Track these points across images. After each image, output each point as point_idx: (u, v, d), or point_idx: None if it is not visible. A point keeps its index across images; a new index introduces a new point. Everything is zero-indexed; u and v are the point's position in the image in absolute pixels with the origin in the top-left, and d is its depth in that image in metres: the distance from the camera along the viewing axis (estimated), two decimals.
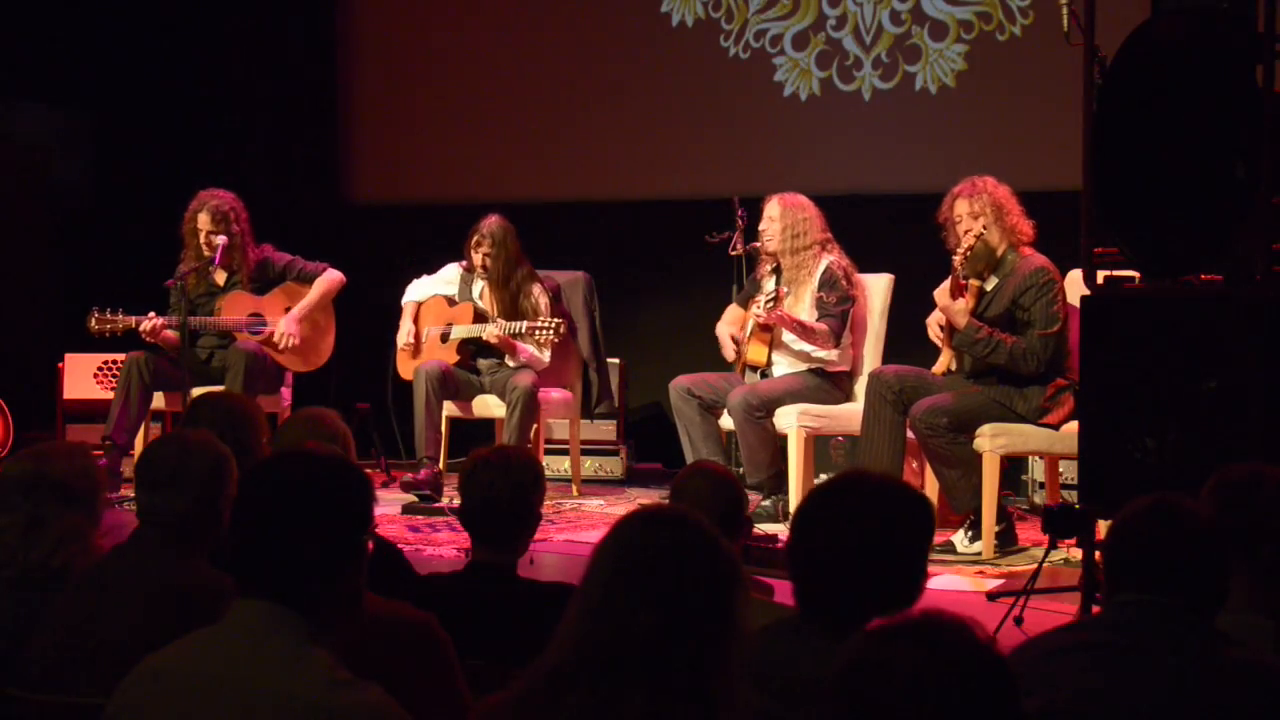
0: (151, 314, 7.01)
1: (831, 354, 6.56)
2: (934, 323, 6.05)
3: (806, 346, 6.55)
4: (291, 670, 2.07)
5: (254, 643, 2.10)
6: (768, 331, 6.58)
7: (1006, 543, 5.81)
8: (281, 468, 2.26)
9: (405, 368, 7.23)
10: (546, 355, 7.13)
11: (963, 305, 5.74)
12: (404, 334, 7.21)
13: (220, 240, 7.07)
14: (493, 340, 6.96)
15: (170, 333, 6.99)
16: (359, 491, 2.24)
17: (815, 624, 2.36)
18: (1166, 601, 2.44)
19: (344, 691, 2.06)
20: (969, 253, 5.76)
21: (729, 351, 6.66)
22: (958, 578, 5.35)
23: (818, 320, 6.52)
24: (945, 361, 5.97)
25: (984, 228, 5.77)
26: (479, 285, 7.24)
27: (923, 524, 2.49)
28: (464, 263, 7.30)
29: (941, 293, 5.80)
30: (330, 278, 7.32)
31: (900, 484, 2.58)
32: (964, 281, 5.78)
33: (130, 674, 2.16)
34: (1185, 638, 2.41)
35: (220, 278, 7.23)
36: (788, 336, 6.57)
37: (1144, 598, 2.46)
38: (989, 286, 5.83)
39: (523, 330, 6.93)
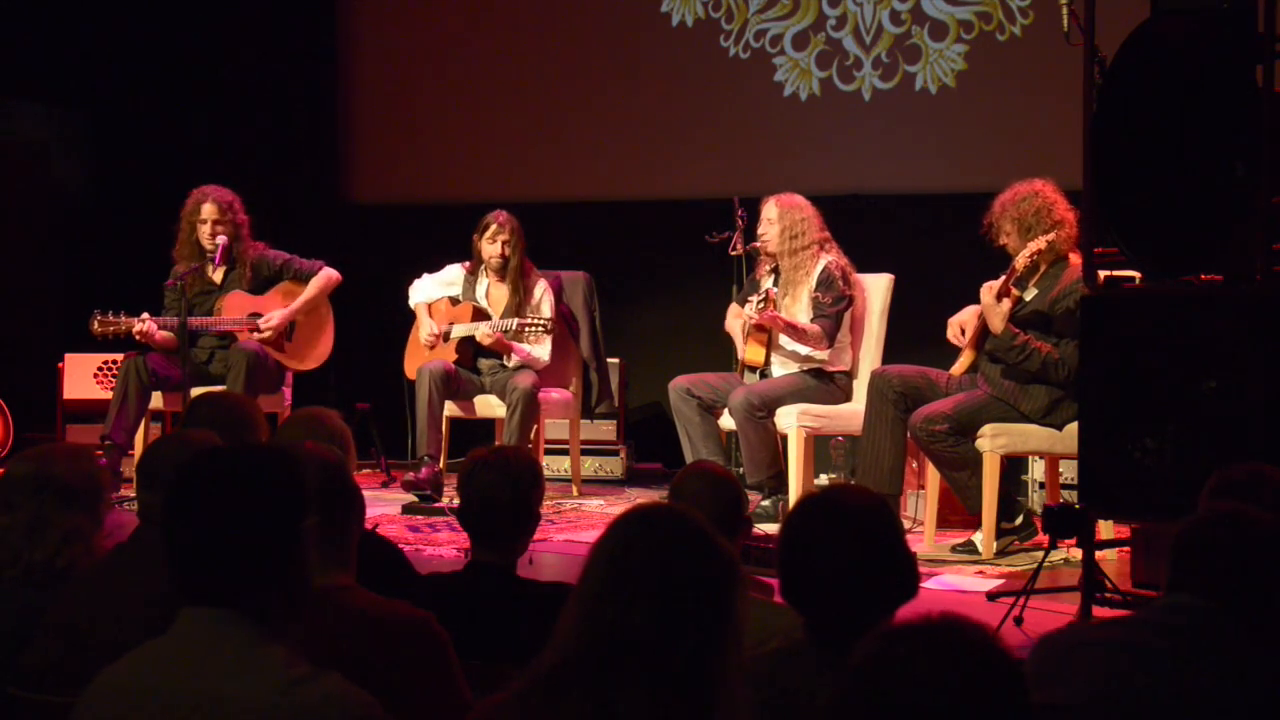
0: (145, 315, 6.99)
1: (824, 354, 6.57)
2: (955, 323, 6.01)
3: (801, 347, 6.56)
4: (245, 675, 2.04)
5: (204, 652, 2.07)
6: (764, 332, 6.60)
7: (1029, 537, 5.84)
8: (206, 468, 2.18)
9: (411, 367, 7.23)
10: (545, 352, 7.13)
11: (1004, 309, 5.70)
12: (426, 330, 7.19)
13: (221, 240, 7.06)
14: (486, 341, 6.96)
15: (165, 334, 6.97)
16: (289, 478, 2.17)
17: (828, 650, 2.34)
18: (1225, 608, 2.40)
19: (301, 689, 2.03)
20: (1031, 260, 5.71)
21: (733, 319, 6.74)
22: (958, 577, 5.35)
23: (812, 321, 6.52)
24: (965, 362, 5.95)
25: (1049, 241, 5.70)
26: (483, 284, 7.24)
27: (888, 517, 2.48)
28: (466, 263, 7.29)
29: (987, 290, 5.74)
30: (327, 275, 7.31)
31: (853, 492, 2.55)
32: (1012, 287, 5.74)
33: (86, 692, 2.13)
34: (1240, 647, 2.38)
35: (218, 275, 7.22)
36: (783, 337, 6.58)
37: (1204, 603, 2.41)
38: (1028, 296, 5.80)
39: (514, 328, 6.94)
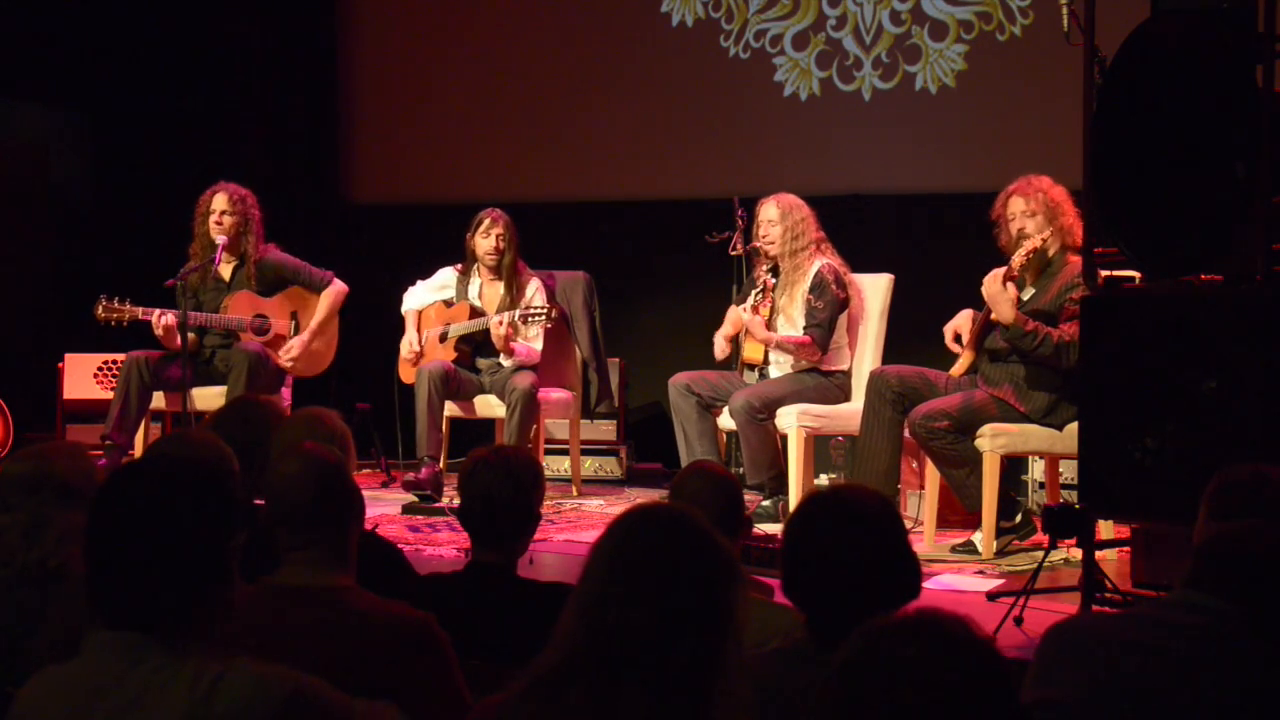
0: (161, 310, 6.96)
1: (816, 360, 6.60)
2: (951, 329, 6.00)
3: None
4: (157, 695, 1.94)
5: (110, 681, 1.96)
6: None
7: (1027, 535, 5.83)
8: (128, 484, 2.07)
9: (406, 370, 7.22)
10: (539, 344, 7.12)
11: (1013, 294, 5.67)
12: (407, 344, 7.20)
13: (222, 239, 7.06)
14: (500, 331, 6.91)
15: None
16: (217, 495, 2.06)
17: (828, 650, 2.34)
18: (1243, 611, 2.38)
19: (216, 692, 1.95)
20: (1028, 258, 5.70)
21: (720, 350, 6.69)
22: (958, 577, 5.35)
23: (805, 329, 6.53)
24: (964, 363, 5.94)
25: (1044, 240, 5.70)
26: (476, 283, 7.24)
27: (894, 518, 2.49)
28: (458, 265, 7.29)
29: (992, 279, 5.69)
30: (336, 291, 7.31)
31: (860, 491, 2.56)
32: (1016, 275, 5.72)
33: None
34: (1255, 648, 2.36)
35: (226, 272, 7.22)
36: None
37: (1221, 603, 2.39)
38: (1025, 296, 5.79)
39: (516, 319, 6.93)
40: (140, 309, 7.01)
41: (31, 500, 2.98)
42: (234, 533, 2.07)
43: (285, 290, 7.27)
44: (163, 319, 6.92)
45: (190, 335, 6.94)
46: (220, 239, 7.07)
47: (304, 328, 7.25)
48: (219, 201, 7.11)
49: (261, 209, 7.25)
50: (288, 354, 7.13)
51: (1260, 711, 2.30)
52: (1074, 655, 2.41)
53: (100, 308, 7.04)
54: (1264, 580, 2.40)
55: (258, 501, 3.18)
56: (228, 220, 7.08)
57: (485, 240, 7.12)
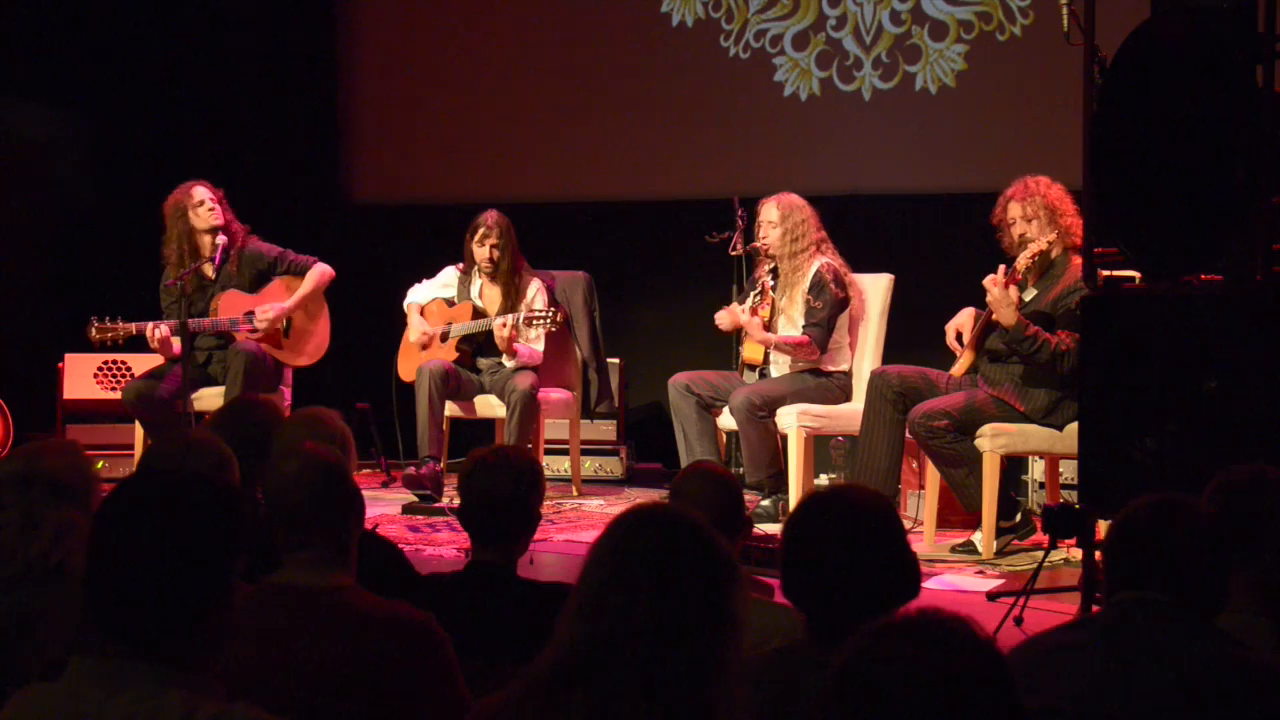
0: (155, 323, 6.94)
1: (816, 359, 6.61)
2: (953, 328, 6.00)
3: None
4: None
5: (93, 707, 1.90)
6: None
7: (1027, 535, 5.85)
8: (133, 500, 2.00)
9: (405, 369, 7.22)
10: (540, 345, 7.13)
11: (1015, 297, 5.67)
12: (415, 330, 7.19)
13: (221, 240, 7.04)
14: (504, 332, 6.90)
15: (176, 339, 6.92)
16: (222, 517, 2.00)
17: (828, 650, 2.35)
18: (1166, 600, 2.45)
19: None
20: (1033, 259, 5.71)
21: (725, 318, 6.68)
22: (958, 577, 5.35)
23: (804, 329, 6.53)
24: (965, 363, 5.94)
25: (1048, 243, 5.70)
26: (477, 284, 7.24)
27: (894, 518, 2.50)
28: (460, 265, 7.29)
29: (992, 283, 5.68)
30: (321, 271, 7.24)
31: (859, 491, 2.57)
32: (1019, 277, 5.73)
33: None
34: (1186, 637, 2.42)
35: (209, 269, 7.17)
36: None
37: (1144, 595, 2.46)
38: (1027, 297, 5.79)
39: (520, 322, 6.93)
40: (134, 324, 6.97)
41: (24, 499, 2.98)
42: (238, 557, 2.01)
43: (270, 284, 7.21)
44: (157, 331, 6.90)
45: (176, 339, 6.90)
46: (221, 239, 7.04)
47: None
48: (201, 193, 7.04)
49: (250, 208, 7.24)
50: (264, 314, 7.06)
51: (1205, 691, 2.34)
52: (1037, 671, 2.44)
53: (93, 329, 6.97)
54: (1172, 566, 2.48)
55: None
56: (217, 209, 7.05)
57: (480, 249, 7.13)
